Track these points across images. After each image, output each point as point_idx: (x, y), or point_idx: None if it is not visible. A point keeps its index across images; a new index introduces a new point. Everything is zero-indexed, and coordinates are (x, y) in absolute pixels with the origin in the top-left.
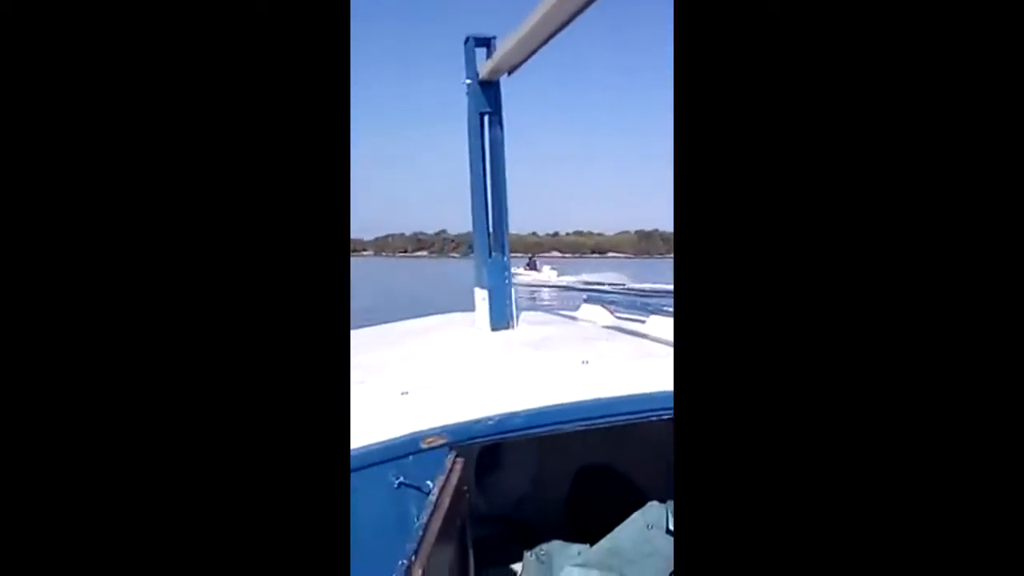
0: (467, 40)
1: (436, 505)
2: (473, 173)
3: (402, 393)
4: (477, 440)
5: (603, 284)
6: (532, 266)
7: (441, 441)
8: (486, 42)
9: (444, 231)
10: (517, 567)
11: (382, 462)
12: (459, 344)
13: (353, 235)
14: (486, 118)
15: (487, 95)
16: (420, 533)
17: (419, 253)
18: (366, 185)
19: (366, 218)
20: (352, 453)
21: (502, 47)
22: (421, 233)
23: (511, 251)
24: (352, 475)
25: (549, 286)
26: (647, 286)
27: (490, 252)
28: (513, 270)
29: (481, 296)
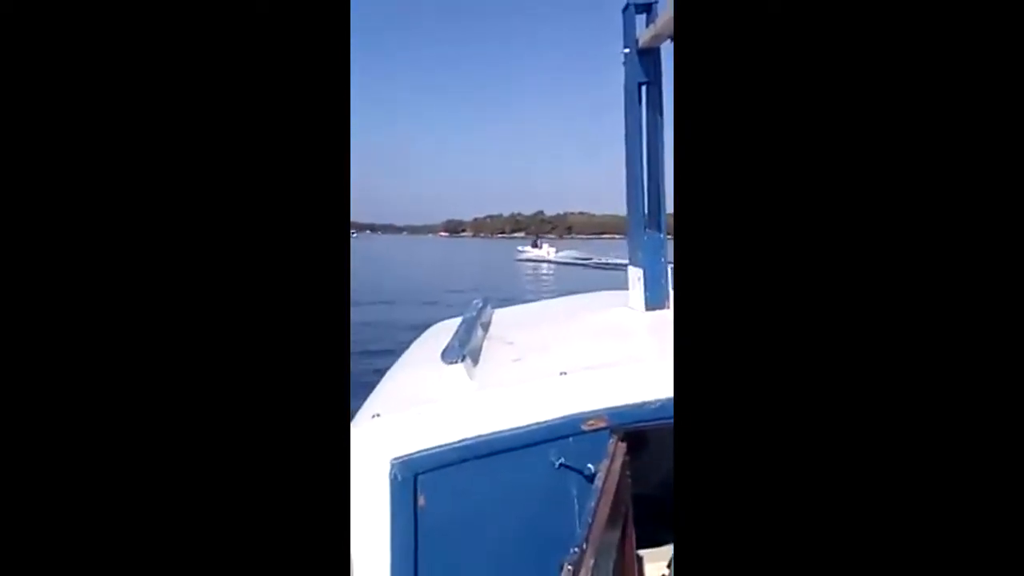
0: (627, 7)
1: (603, 491)
2: (629, 146)
3: (561, 373)
4: (639, 424)
5: (587, 259)
6: (535, 245)
7: (602, 424)
8: (647, 8)
9: (541, 212)
10: (662, 551)
11: (542, 442)
12: (615, 324)
13: (452, 216)
14: (644, 88)
15: (646, 64)
16: (589, 520)
17: (516, 234)
18: (466, 166)
19: (466, 199)
20: (512, 432)
21: (667, 11)
22: (518, 214)
23: (605, 232)
24: (512, 453)
25: (547, 260)
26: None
27: (645, 229)
28: (520, 248)
29: (636, 275)
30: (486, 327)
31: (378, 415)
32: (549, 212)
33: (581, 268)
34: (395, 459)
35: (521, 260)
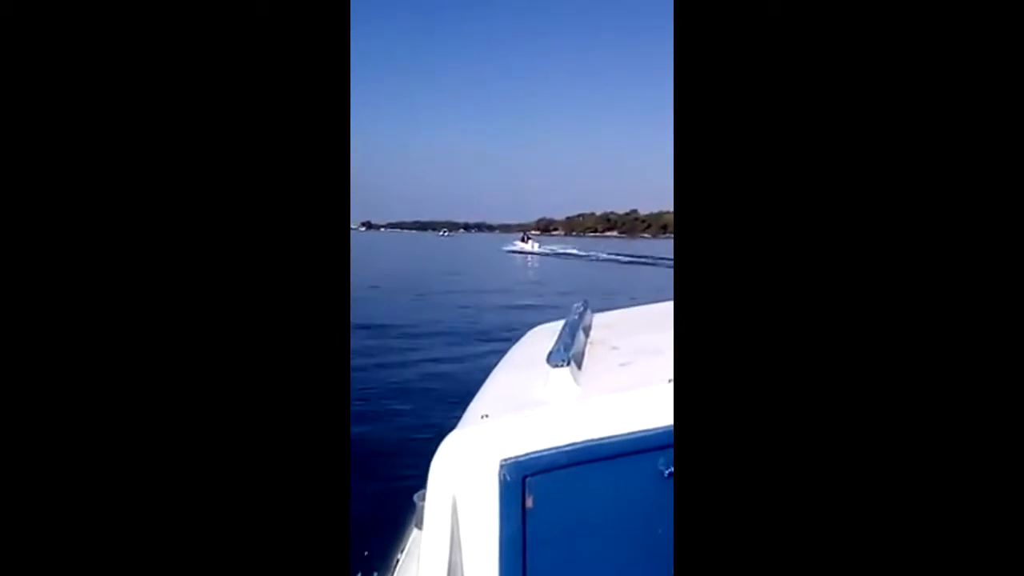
0: None
1: None
2: None
3: (668, 380)
4: None
5: (552, 250)
6: (524, 239)
7: None
8: None
9: (635, 211)
10: None
11: (651, 449)
12: None
13: (544, 214)
14: None
15: None
16: None
17: (608, 233)
18: (557, 164)
19: (557, 197)
20: (620, 438)
21: None
22: (611, 212)
23: (648, 232)
24: (620, 460)
25: (532, 253)
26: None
27: None
28: (514, 241)
29: None
30: (587, 331)
31: (487, 416)
32: (643, 211)
33: (549, 257)
34: (504, 460)
35: (512, 251)
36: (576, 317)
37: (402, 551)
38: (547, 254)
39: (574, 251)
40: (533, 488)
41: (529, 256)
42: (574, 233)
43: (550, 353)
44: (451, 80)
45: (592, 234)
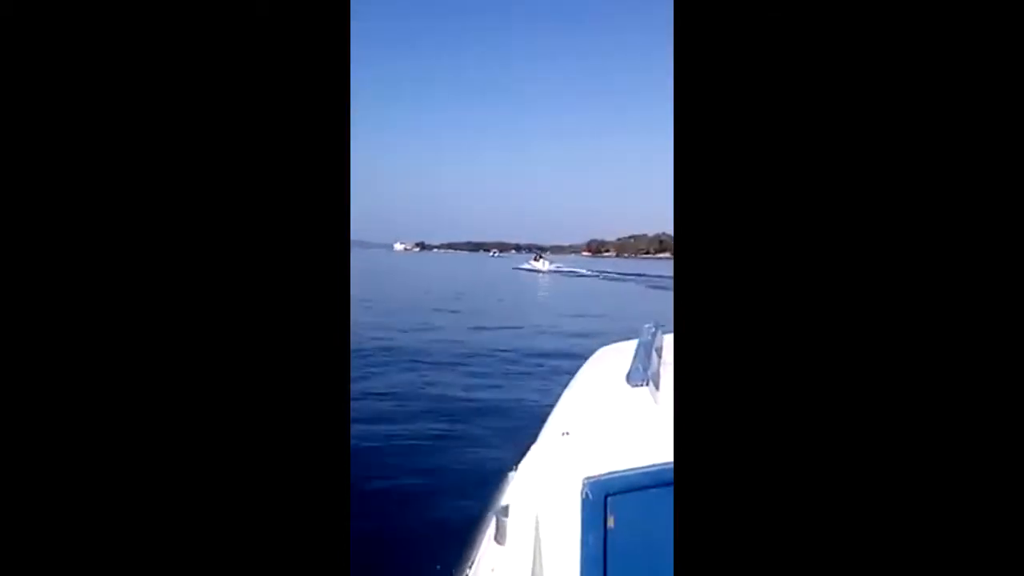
0: None
1: None
2: None
3: None
4: None
5: (558, 267)
6: (537, 258)
7: None
8: None
9: None
10: None
11: None
12: None
13: (595, 235)
14: None
15: None
16: None
17: (662, 255)
18: (611, 186)
19: (610, 219)
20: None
21: None
22: (664, 234)
23: (652, 253)
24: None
25: (543, 271)
26: (594, 269)
27: None
28: (528, 261)
29: None
30: (659, 352)
31: (567, 433)
32: None
33: (556, 274)
34: (587, 478)
35: (523, 269)
36: (649, 338)
37: (471, 565)
38: (556, 271)
39: (582, 271)
40: (615, 507)
41: (539, 275)
42: (625, 255)
43: (629, 372)
44: (501, 98)
45: (645, 256)
